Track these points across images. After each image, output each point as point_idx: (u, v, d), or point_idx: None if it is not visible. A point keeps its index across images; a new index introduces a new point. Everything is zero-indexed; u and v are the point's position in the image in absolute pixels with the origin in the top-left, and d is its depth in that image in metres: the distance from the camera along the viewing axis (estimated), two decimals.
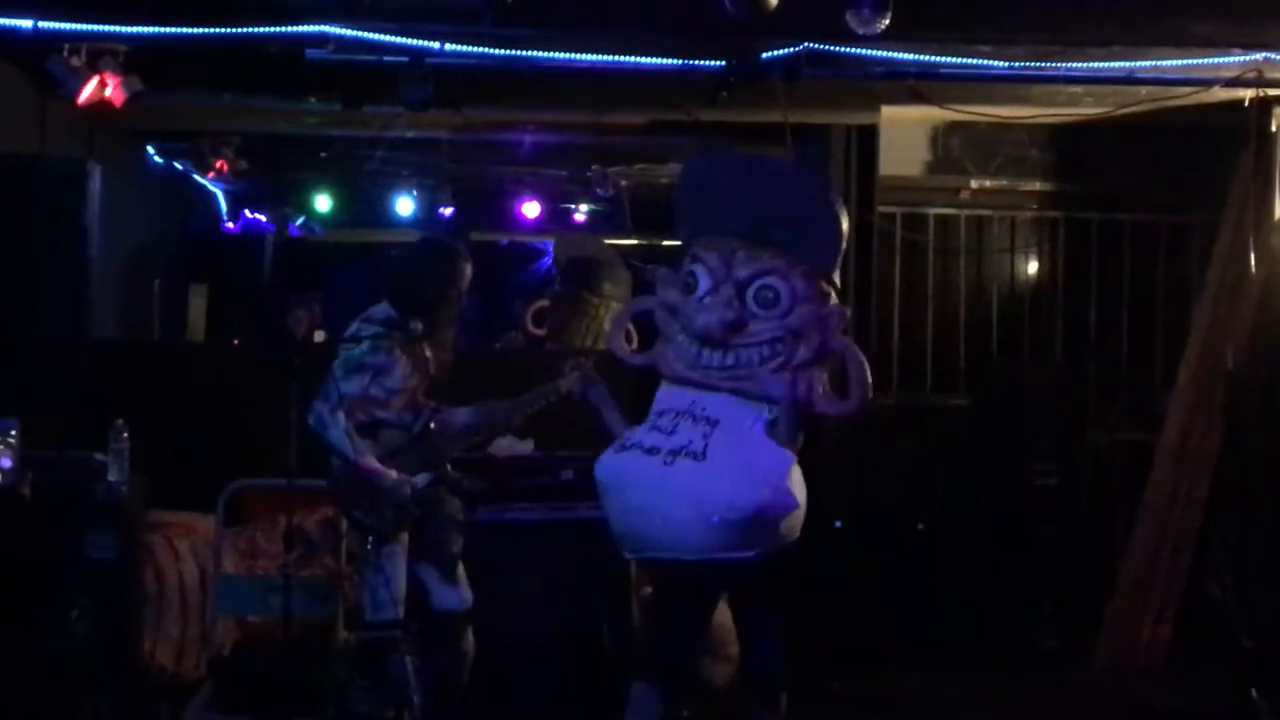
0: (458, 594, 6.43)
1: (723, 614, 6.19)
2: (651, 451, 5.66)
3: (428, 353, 6.39)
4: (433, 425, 6.32)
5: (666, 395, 5.87)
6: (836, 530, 8.60)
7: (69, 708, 6.40)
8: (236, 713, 6.59)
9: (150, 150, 11.48)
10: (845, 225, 5.90)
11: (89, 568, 6.54)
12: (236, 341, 12.64)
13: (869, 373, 5.68)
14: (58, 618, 6.43)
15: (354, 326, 6.38)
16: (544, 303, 12.09)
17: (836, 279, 5.86)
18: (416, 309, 6.33)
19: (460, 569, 6.45)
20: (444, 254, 6.49)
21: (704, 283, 5.80)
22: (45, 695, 6.36)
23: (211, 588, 7.10)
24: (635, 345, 6.15)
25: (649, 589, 6.57)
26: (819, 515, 8.60)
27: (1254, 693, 7.15)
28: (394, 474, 6.21)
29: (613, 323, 6.21)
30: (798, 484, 5.65)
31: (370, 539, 6.32)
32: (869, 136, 9.26)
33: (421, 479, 6.30)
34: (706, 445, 5.59)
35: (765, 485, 5.53)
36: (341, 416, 6.17)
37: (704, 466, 5.55)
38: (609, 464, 5.79)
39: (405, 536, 6.33)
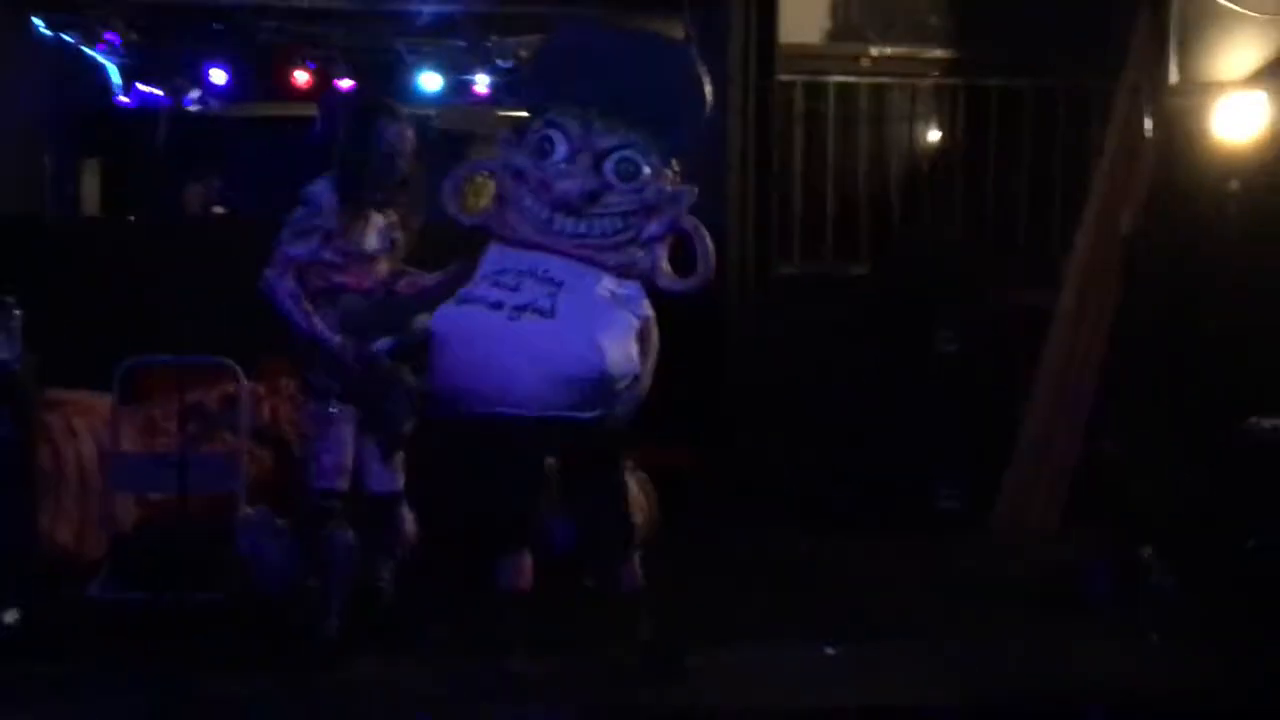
0: (390, 475, 6.37)
1: None
2: (495, 306, 5.71)
3: (383, 222, 6.29)
4: (398, 288, 6.27)
5: (502, 256, 5.88)
6: (745, 400, 8.72)
7: None
8: (139, 589, 6.59)
9: (36, 22, 11.21)
10: (708, 107, 5.90)
11: None
12: (132, 218, 12.51)
13: (713, 253, 5.80)
14: None
15: (302, 193, 6.26)
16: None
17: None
18: (360, 176, 6.19)
19: (400, 453, 6.37)
20: (372, 114, 6.31)
21: (561, 149, 5.82)
22: None
23: (108, 465, 7.05)
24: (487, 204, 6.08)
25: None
26: (723, 385, 8.81)
27: (1146, 550, 7.30)
28: (338, 339, 6.11)
29: (448, 182, 6.13)
30: (640, 352, 5.74)
31: (316, 404, 6.26)
32: (769, 4, 9.20)
33: (382, 344, 6.17)
34: (554, 304, 5.66)
35: (613, 348, 5.62)
36: (290, 280, 6.09)
37: (553, 324, 5.64)
38: (450, 314, 5.81)
39: (350, 409, 6.23)
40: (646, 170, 5.80)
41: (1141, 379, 8.54)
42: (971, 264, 9.54)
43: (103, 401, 7.29)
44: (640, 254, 5.79)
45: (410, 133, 6.29)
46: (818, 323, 9.16)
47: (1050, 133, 9.80)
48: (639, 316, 5.80)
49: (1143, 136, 8.55)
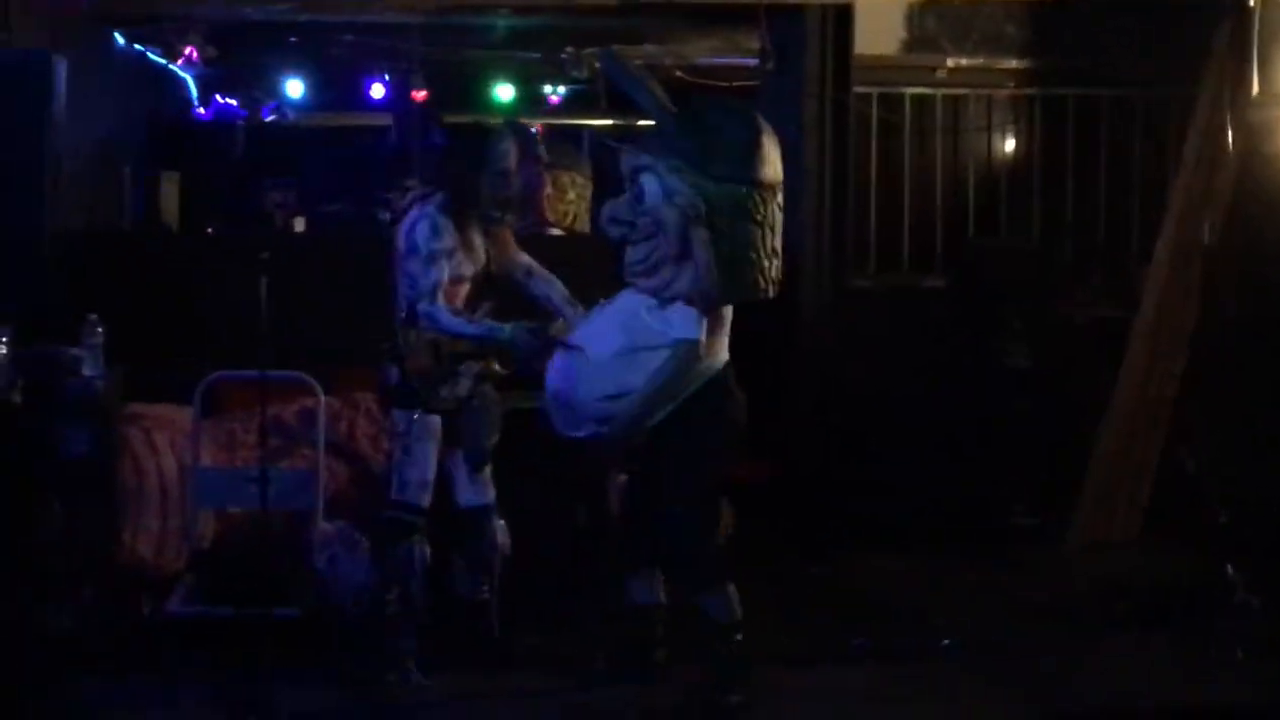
0: (479, 489, 6.42)
1: None
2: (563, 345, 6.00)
3: (478, 241, 6.35)
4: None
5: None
6: (822, 414, 8.70)
7: (51, 604, 6.41)
8: (217, 604, 6.63)
9: (117, 36, 11.32)
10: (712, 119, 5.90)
11: (66, 463, 6.53)
12: (211, 230, 12.60)
13: (714, 272, 5.76)
14: (37, 515, 6.43)
15: (412, 214, 6.31)
16: (548, 190, 11.87)
17: (767, 174, 5.83)
18: (474, 196, 6.26)
19: (488, 467, 6.43)
20: (482, 134, 6.41)
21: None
22: (27, 593, 6.37)
23: (190, 480, 7.11)
24: None
25: (623, 476, 6.62)
26: (797, 397, 8.78)
27: (1229, 568, 7.21)
28: (506, 326, 6.16)
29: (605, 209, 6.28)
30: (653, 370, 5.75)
31: (407, 417, 6.30)
32: (844, 16, 9.17)
33: (471, 367, 6.28)
34: (590, 330, 5.88)
35: (596, 367, 5.79)
36: (442, 302, 6.15)
37: (581, 351, 5.87)
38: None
39: (438, 423, 6.30)
40: (654, 190, 5.78)
41: (1222, 392, 8.45)
42: (1049, 276, 9.49)
43: (183, 415, 7.33)
44: (671, 274, 5.77)
45: (515, 149, 6.33)
46: (893, 335, 9.13)
47: (1128, 143, 9.73)
48: (659, 336, 5.79)
49: (1224, 148, 8.46)
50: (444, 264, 6.17)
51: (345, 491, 7.60)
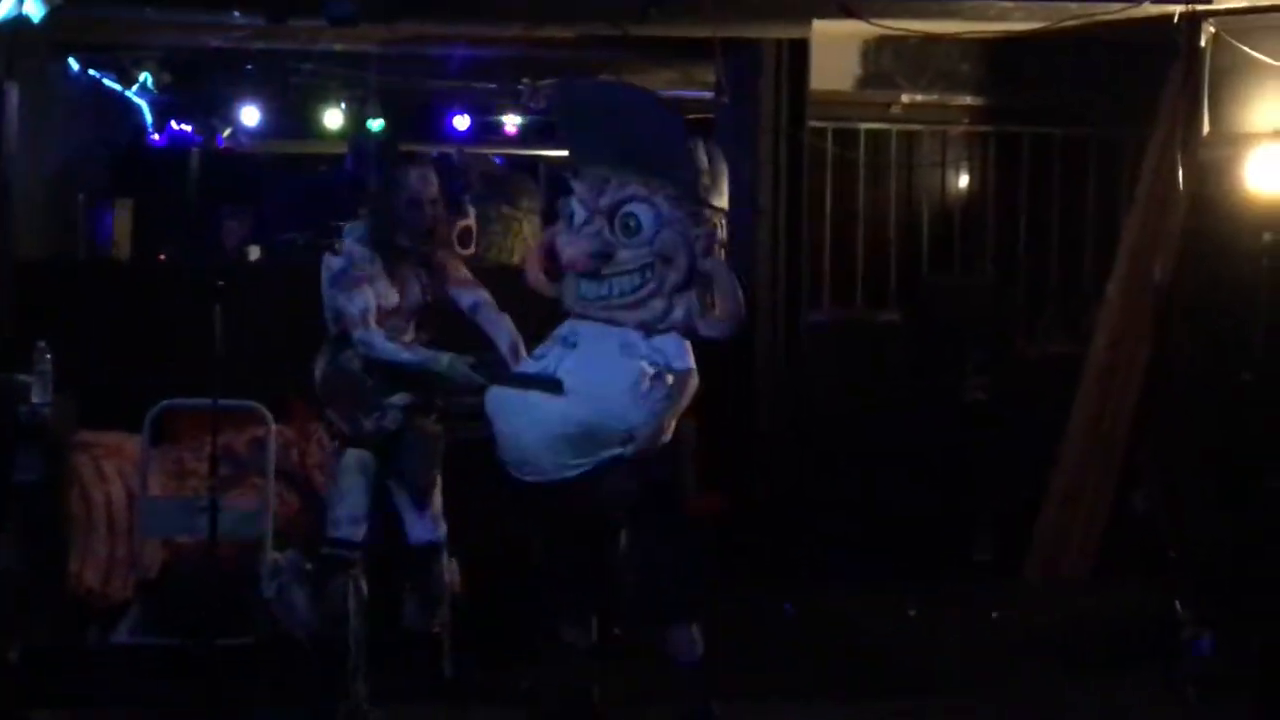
0: (427, 525, 6.35)
1: None
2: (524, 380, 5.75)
3: (408, 272, 6.25)
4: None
5: (561, 327, 5.88)
6: (777, 448, 8.69)
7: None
8: (165, 634, 6.58)
9: (71, 63, 11.27)
10: (702, 152, 5.82)
11: (14, 490, 6.48)
12: (163, 256, 12.54)
13: (740, 292, 5.66)
14: None
15: (337, 244, 6.24)
16: (468, 222, 11.87)
17: (719, 202, 5.77)
18: (387, 225, 6.18)
19: (435, 499, 6.36)
20: (393, 162, 6.36)
21: (579, 214, 5.77)
22: None
23: (138, 509, 7.05)
24: None
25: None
26: (753, 432, 8.78)
27: (1178, 604, 7.23)
28: (445, 356, 6.06)
29: (527, 256, 6.25)
30: (662, 398, 5.64)
31: (335, 450, 6.28)
32: (800, 51, 9.20)
33: (399, 399, 6.21)
34: (558, 366, 5.64)
35: (599, 399, 5.55)
36: (377, 329, 6.08)
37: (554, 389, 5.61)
38: (489, 394, 5.81)
39: (370, 457, 6.23)
40: (649, 221, 5.71)
41: (1174, 430, 8.50)
42: (1002, 312, 9.53)
43: (132, 443, 7.29)
44: (663, 305, 5.69)
45: (434, 178, 6.25)
46: (848, 370, 9.14)
47: (1081, 181, 9.80)
48: (661, 366, 5.71)
49: (1176, 187, 8.51)
50: (367, 290, 6.09)
51: (296, 520, 7.57)
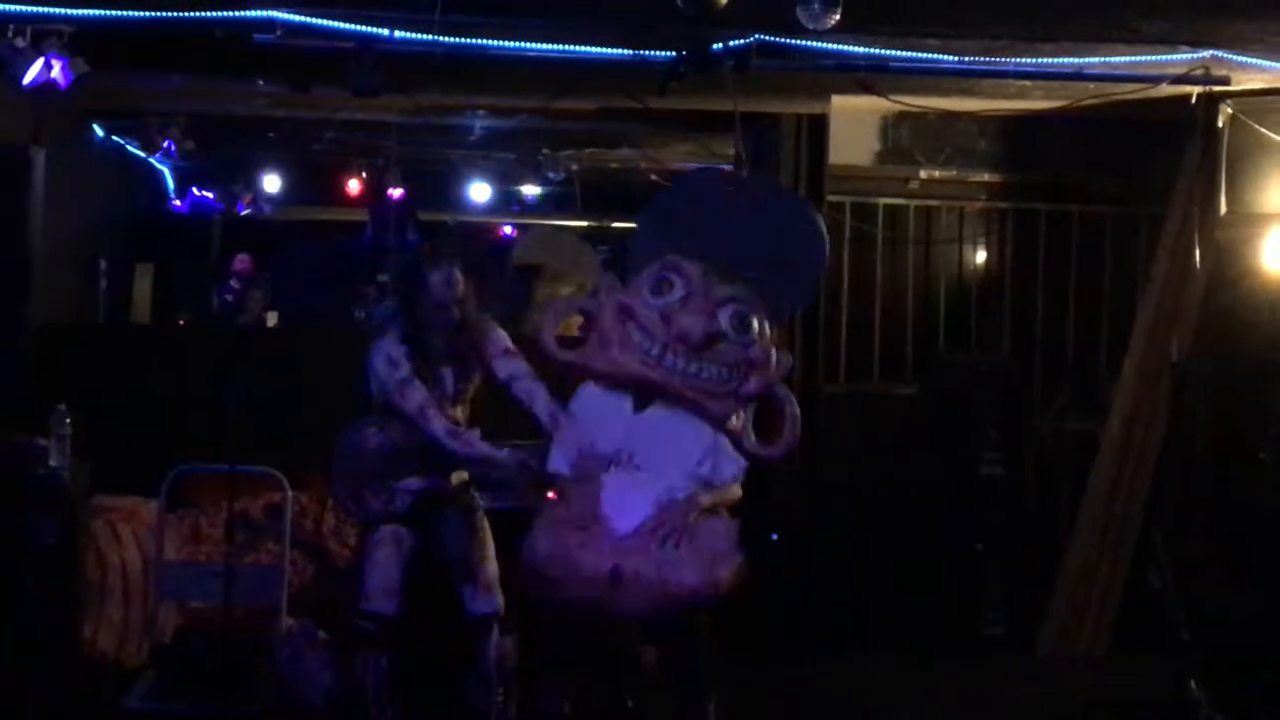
0: (480, 597, 6.25)
1: None
2: (594, 566, 5.62)
3: (444, 364, 6.23)
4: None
5: (594, 399, 5.90)
6: (792, 519, 8.72)
7: (10, 694, 6.34)
8: (178, 700, 6.57)
9: (96, 129, 11.38)
10: (826, 263, 6.02)
11: (31, 554, 6.48)
12: (182, 321, 12.61)
13: (799, 423, 5.86)
14: (5, 607, 6.37)
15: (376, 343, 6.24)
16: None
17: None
18: (416, 327, 6.18)
19: (487, 571, 6.27)
20: (417, 265, 6.29)
21: (678, 290, 5.84)
22: None
23: (153, 574, 7.06)
24: None
25: None
26: (768, 505, 8.77)
27: (1192, 684, 7.20)
28: (504, 452, 6.06)
29: (546, 314, 6.27)
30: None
31: (367, 527, 6.26)
32: (819, 126, 9.29)
33: (412, 483, 6.18)
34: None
35: (717, 565, 5.63)
36: (439, 417, 6.06)
37: (660, 561, 5.59)
38: (544, 548, 5.72)
39: (404, 531, 6.19)
40: (756, 325, 5.85)
41: (1188, 508, 8.48)
42: (1018, 387, 9.54)
43: (148, 508, 7.31)
44: (731, 406, 5.81)
45: (458, 277, 6.21)
46: (863, 443, 9.14)
47: (1098, 258, 9.81)
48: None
49: (1193, 266, 8.54)
50: (416, 385, 6.07)
51: (310, 587, 7.58)
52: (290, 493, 7.16)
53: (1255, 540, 7.92)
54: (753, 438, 5.91)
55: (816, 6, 6.35)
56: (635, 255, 6.17)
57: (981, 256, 9.94)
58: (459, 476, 6.27)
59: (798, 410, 5.91)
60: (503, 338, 6.34)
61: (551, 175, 13.19)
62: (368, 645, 6.16)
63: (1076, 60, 7.56)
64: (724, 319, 5.82)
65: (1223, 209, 8.58)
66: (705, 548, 5.63)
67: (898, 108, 8.99)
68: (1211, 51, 7.40)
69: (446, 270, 6.19)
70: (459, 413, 6.23)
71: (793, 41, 7.19)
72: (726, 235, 5.94)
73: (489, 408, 6.36)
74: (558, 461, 5.87)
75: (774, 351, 5.91)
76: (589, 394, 5.93)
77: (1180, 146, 8.70)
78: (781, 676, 8.06)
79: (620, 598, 5.56)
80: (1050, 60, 7.60)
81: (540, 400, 6.12)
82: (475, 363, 6.27)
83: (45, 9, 6.94)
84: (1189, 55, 7.48)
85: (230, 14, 6.82)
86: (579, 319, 6.29)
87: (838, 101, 8.97)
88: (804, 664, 8.18)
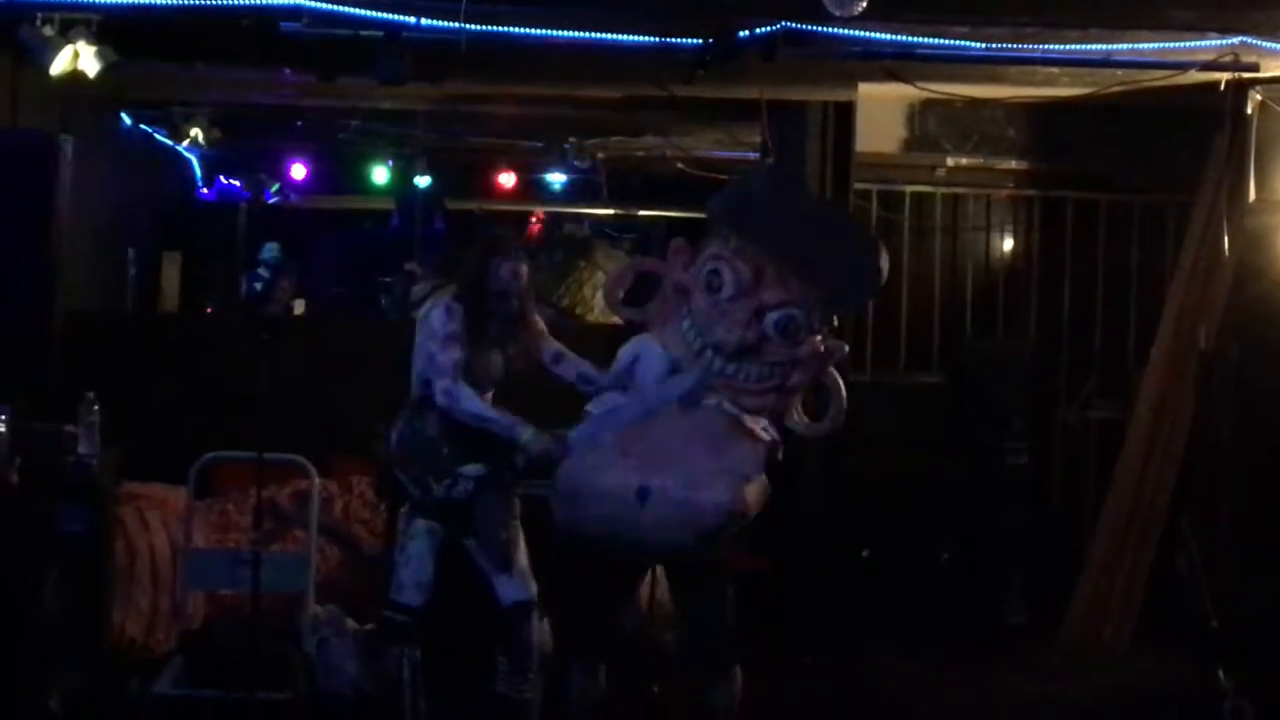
0: (514, 585, 6.20)
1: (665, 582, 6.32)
2: (622, 484, 5.69)
3: (500, 361, 6.21)
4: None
5: (650, 359, 5.98)
6: (817, 508, 8.70)
7: (39, 681, 6.37)
8: (205, 687, 6.60)
9: (124, 117, 11.43)
10: (881, 281, 6.10)
11: (60, 541, 6.52)
12: (210, 309, 12.66)
13: (845, 404, 5.96)
14: (29, 592, 6.41)
15: (426, 305, 6.20)
16: None
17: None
18: (477, 312, 6.12)
19: (519, 558, 6.23)
20: (486, 254, 6.20)
21: (728, 288, 5.86)
22: (15, 669, 6.33)
23: (181, 561, 7.09)
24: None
25: None
26: (794, 493, 8.78)
27: (1220, 672, 7.18)
28: (529, 428, 6.01)
29: (613, 276, 6.53)
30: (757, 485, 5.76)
31: (402, 515, 6.25)
32: (846, 114, 9.27)
33: (472, 469, 6.12)
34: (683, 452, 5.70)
35: (744, 485, 5.66)
36: (465, 384, 6.02)
37: (682, 484, 5.63)
38: (574, 468, 5.83)
39: (438, 525, 6.17)
40: (803, 329, 5.89)
41: (1216, 497, 8.45)
42: (1045, 376, 9.52)
43: (176, 495, 7.33)
44: (775, 400, 5.90)
45: (525, 270, 6.22)
46: (889, 432, 9.12)
47: (1124, 246, 9.78)
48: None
49: (1221, 254, 8.50)
50: (460, 347, 6.03)
51: (337, 575, 7.61)
52: (318, 480, 7.17)
53: None
54: (798, 415, 6.02)
55: None
56: (710, 220, 6.21)
57: (1008, 245, 9.92)
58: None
59: (844, 392, 5.97)
60: (541, 325, 6.42)
61: (577, 164, 13.20)
62: (398, 637, 6.16)
63: (1104, 47, 7.54)
64: (770, 323, 5.85)
65: (1251, 196, 8.53)
66: (733, 469, 5.68)
67: (925, 95, 8.98)
68: (1240, 38, 7.38)
69: (516, 261, 6.19)
70: (489, 399, 6.22)
71: (819, 29, 7.19)
72: (793, 240, 5.95)
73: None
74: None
75: (828, 347, 5.98)
76: (651, 352, 6.02)
77: (1208, 134, 8.65)
78: (802, 664, 8.06)
79: (646, 519, 5.61)
80: (1078, 47, 7.58)
81: (588, 366, 6.28)
82: (518, 355, 6.27)
83: None
84: (1218, 42, 7.46)
85: (257, 2, 6.85)
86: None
87: (864, 89, 8.95)
88: (827, 651, 8.17)
